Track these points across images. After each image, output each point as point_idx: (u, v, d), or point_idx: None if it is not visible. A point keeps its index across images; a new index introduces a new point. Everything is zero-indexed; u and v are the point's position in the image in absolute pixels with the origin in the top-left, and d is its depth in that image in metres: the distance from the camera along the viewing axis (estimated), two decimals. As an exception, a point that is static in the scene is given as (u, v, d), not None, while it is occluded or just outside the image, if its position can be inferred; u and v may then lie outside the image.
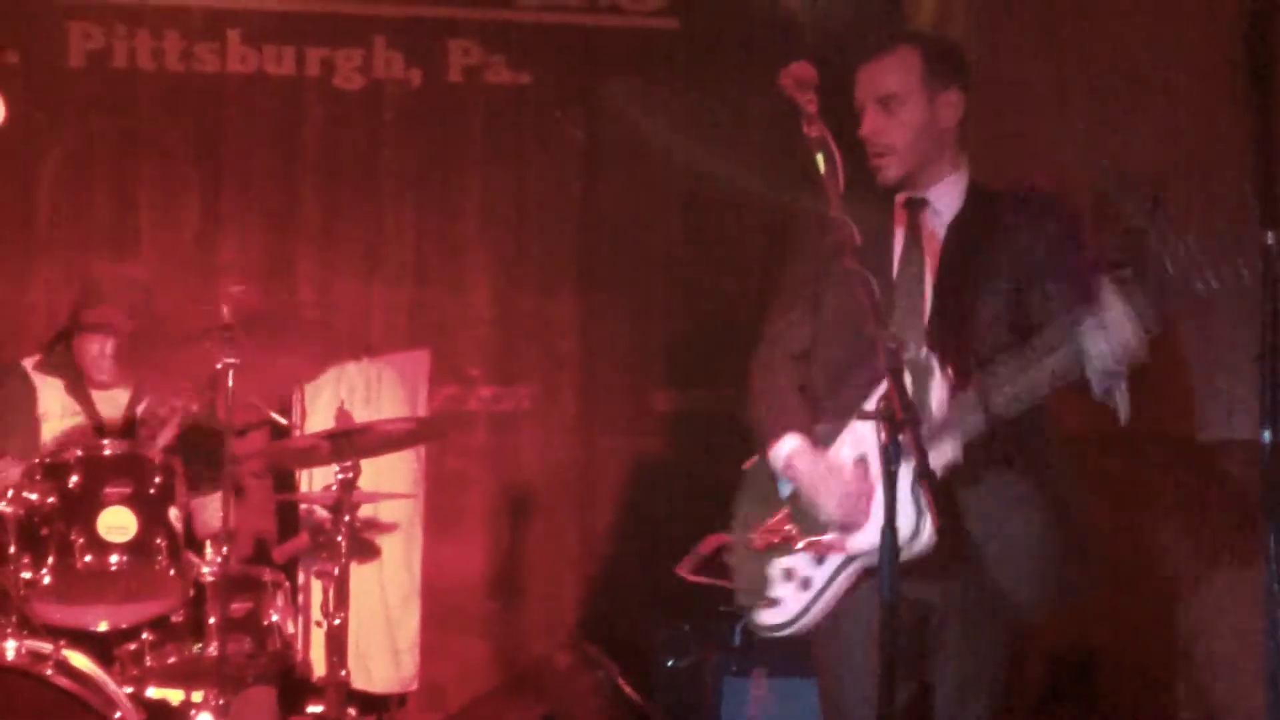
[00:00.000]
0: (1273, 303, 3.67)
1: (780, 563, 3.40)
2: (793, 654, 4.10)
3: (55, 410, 4.74)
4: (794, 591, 3.38)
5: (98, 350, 4.68)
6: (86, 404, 4.73)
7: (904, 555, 3.08)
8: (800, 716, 4.38)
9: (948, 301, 3.36)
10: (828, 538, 3.31)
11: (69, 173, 5.65)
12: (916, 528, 3.16)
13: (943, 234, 3.42)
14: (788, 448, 3.39)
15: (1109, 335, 3.07)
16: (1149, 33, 4.59)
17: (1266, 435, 3.16)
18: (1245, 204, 4.13)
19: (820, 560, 3.34)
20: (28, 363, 4.83)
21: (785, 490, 3.42)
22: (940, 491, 3.01)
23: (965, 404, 3.20)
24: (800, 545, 3.35)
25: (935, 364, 3.26)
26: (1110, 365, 3.10)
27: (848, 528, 3.29)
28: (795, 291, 3.55)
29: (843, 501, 3.28)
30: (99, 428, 4.70)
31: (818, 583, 3.35)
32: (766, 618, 3.41)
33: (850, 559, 3.30)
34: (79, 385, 4.74)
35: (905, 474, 2.94)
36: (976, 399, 3.18)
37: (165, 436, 4.58)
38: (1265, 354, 3.80)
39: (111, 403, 4.77)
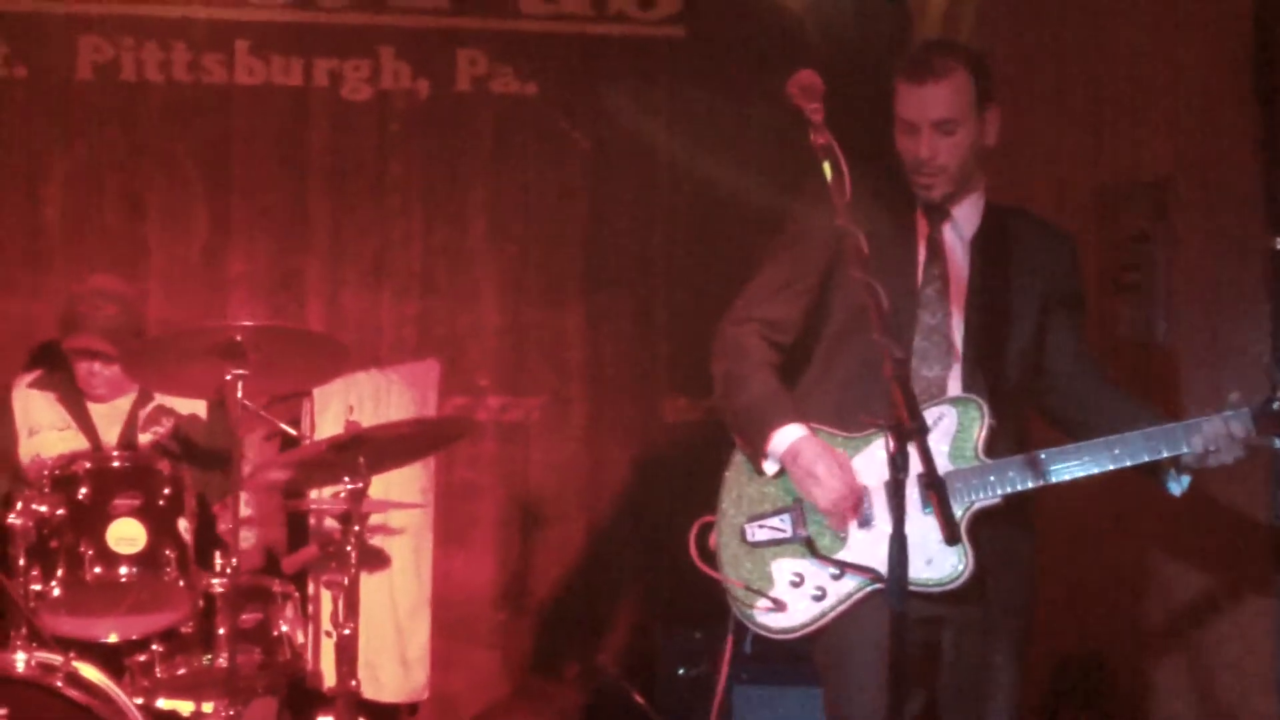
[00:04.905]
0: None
1: (786, 564, 3.37)
2: (802, 661, 4.09)
3: (46, 423, 4.76)
4: (805, 600, 3.35)
5: (86, 370, 4.73)
6: (83, 420, 4.76)
7: (939, 589, 3.21)
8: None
9: (979, 333, 3.38)
10: (860, 562, 3.29)
11: (77, 185, 5.67)
12: (958, 570, 3.22)
13: (963, 251, 3.43)
14: (794, 435, 3.35)
15: (1214, 457, 3.20)
16: (1155, 34, 4.58)
17: (1277, 442, 3.16)
18: (1253, 208, 4.12)
19: (839, 575, 3.32)
20: (25, 379, 4.85)
21: (771, 469, 3.39)
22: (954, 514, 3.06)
23: (1022, 467, 3.26)
24: (835, 572, 3.32)
25: (986, 409, 3.29)
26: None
27: (832, 522, 3.31)
28: (790, 280, 3.48)
29: (836, 498, 3.28)
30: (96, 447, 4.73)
31: (832, 598, 3.33)
32: (770, 620, 3.38)
33: (872, 583, 3.28)
34: (74, 398, 4.77)
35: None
36: (1038, 471, 3.25)
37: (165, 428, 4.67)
38: (1275, 358, 3.80)
39: (113, 415, 4.79)
